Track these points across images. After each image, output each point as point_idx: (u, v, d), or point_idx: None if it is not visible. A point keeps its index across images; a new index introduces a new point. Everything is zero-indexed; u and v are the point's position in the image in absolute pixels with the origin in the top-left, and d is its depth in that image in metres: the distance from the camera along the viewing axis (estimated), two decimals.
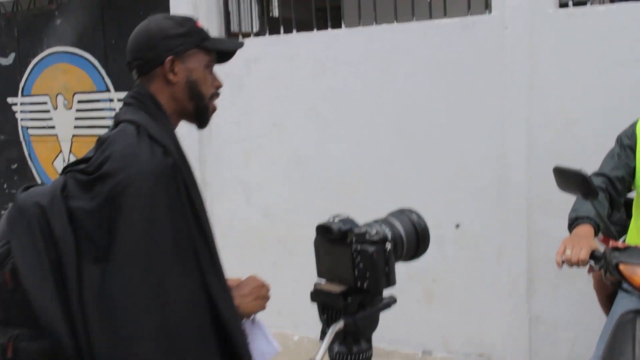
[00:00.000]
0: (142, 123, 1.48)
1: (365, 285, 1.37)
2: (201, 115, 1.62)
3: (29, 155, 5.53)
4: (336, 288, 1.41)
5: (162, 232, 1.40)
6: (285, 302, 3.80)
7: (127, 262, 1.37)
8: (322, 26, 3.90)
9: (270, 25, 4.17)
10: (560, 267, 2.04)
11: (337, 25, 3.83)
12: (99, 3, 4.89)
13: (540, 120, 3.21)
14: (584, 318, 3.15)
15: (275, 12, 4.27)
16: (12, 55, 5.34)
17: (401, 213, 1.53)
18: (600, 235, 2.32)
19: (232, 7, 4.25)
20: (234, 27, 4.22)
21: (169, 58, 1.54)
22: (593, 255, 2.00)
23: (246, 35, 4.21)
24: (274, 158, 3.98)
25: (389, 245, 1.38)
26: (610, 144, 2.34)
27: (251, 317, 1.64)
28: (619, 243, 2.13)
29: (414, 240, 1.50)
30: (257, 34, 4.23)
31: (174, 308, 1.39)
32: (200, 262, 1.46)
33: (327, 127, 3.81)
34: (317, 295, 1.44)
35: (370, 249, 1.35)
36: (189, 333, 1.41)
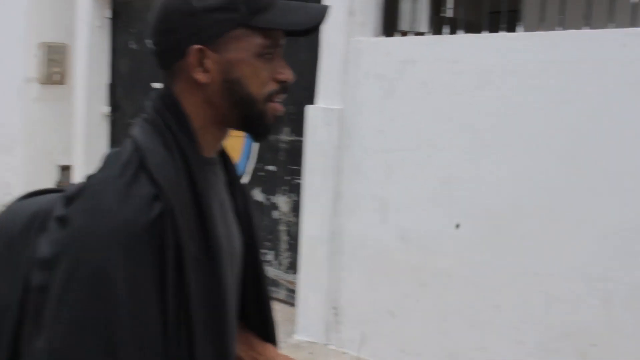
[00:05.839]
0: (142, 144, 1.00)
1: None
2: (253, 126, 1.07)
3: None
4: None
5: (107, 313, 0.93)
6: (411, 339, 3.33)
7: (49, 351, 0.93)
8: (494, 29, 3.34)
9: (439, 26, 3.67)
10: None
11: (512, 29, 3.26)
12: None
13: None
14: None
15: (451, 13, 3.81)
16: None
17: None
18: None
19: (402, 5, 3.79)
20: (402, 26, 3.76)
21: (195, 47, 1.00)
22: None
23: (405, 33, 3.74)
24: (419, 176, 3.46)
25: None
26: None
27: None
28: None
29: None
30: (419, 34, 3.73)
31: None
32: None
33: (485, 146, 3.23)
34: None
35: None
36: None
